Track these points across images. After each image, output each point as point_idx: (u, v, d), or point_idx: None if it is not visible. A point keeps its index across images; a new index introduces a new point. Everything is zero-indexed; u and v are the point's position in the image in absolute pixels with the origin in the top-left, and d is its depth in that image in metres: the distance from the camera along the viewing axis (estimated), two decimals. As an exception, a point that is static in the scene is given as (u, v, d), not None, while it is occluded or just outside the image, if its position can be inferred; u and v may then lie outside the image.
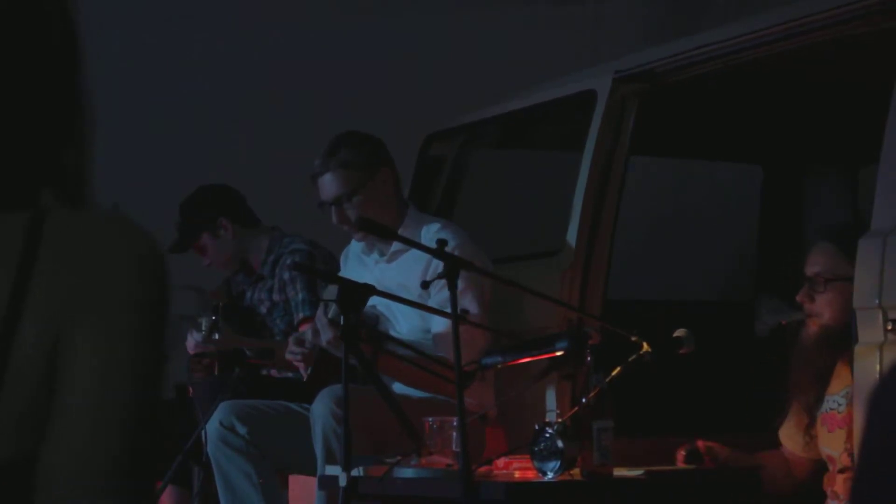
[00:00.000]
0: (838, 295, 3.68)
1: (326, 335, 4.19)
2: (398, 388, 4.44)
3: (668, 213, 6.71)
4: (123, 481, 1.24)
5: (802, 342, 3.72)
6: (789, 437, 3.86)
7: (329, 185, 4.51)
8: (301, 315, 4.93)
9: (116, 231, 1.28)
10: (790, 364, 3.78)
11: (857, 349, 3.53)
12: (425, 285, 4.03)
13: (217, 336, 4.86)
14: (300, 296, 4.95)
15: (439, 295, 4.29)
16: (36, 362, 1.23)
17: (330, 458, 4.09)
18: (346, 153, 4.51)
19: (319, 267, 4.93)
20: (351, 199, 4.49)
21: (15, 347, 1.22)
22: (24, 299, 1.23)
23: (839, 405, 3.68)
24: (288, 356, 4.39)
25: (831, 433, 3.71)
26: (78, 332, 1.24)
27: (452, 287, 3.65)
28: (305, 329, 4.70)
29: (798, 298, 3.74)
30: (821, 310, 3.70)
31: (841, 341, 3.65)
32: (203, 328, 4.87)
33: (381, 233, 4.14)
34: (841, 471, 3.66)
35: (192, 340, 4.87)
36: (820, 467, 3.78)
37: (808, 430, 3.76)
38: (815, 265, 3.74)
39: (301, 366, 4.35)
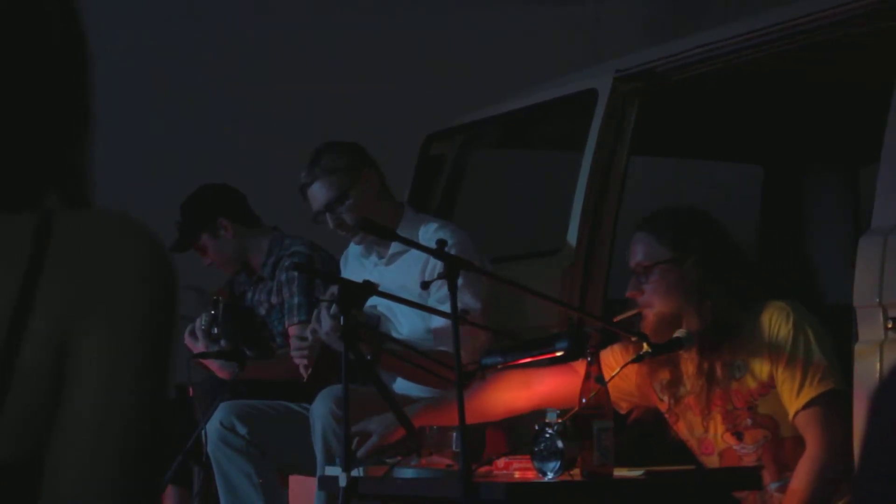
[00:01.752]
0: (660, 279, 3.73)
1: (326, 325, 4.20)
2: (398, 387, 4.45)
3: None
4: (128, 482, 1.24)
5: (644, 332, 3.76)
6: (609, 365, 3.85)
7: (318, 193, 4.56)
8: (296, 319, 4.91)
9: (122, 232, 1.28)
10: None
11: (858, 348, 3.53)
12: (425, 286, 4.04)
13: (216, 331, 4.86)
14: (296, 299, 4.94)
15: (439, 293, 4.30)
16: (43, 363, 1.23)
17: (330, 458, 4.09)
18: (328, 159, 4.57)
19: (318, 268, 4.93)
20: (343, 202, 4.53)
21: (23, 348, 1.22)
22: (33, 300, 1.23)
23: (691, 393, 3.74)
24: (293, 353, 4.40)
25: (697, 417, 3.76)
26: (85, 333, 1.24)
27: (452, 287, 3.65)
28: (296, 332, 4.70)
29: (628, 294, 3.79)
30: (650, 299, 3.75)
31: (672, 328, 3.69)
32: (203, 323, 4.87)
33: (382, 233, 4.14)
34: (723, 452, 3.71)
35: (197, 326, 4.87)
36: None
37: (682, 409, 3.78)
38: (634, 256, 3.80)
39: (304, 363, 4.36)
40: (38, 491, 1.23)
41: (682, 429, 3.85)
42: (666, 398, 3.84)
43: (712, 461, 3.79)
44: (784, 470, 3.68)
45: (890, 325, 3.46)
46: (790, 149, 5.70)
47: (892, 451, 1.25)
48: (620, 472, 3.59)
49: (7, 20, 1.30)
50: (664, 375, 3.83)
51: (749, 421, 3.70)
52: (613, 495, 3.62)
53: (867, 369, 3.47)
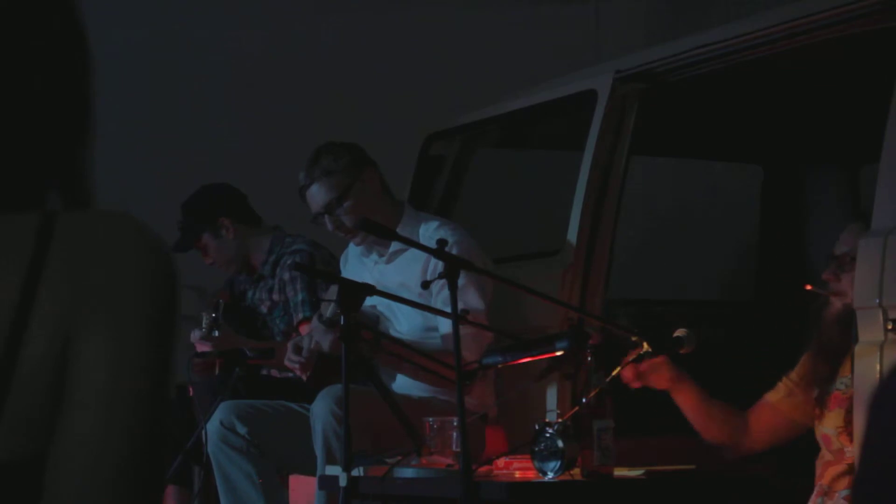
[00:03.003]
0: None
1: (326, 341, 4.21)
2: (398, 387, 4.45)
3: (668, 213, 6.71)
4: (131, 481, 1.24)
5: (825, 318, 3.73)
6: (786, 393, 3.84)
7: (317, 194, 4.55)
8: (301, 316, 4.94)
9: (124, 232, 1.28)
10: (811, 337, 3.80)
11: (858, 348, 3.53)
12: (426, 285, 4.04)
13: (217, 333, 4.87)
14: (299, 296, 4.96)
15: (442, 293, 4.30)
16: (45, 363, 1.23)
17: (330, 458, 4.09)
18: (327, 161, 4.56)
19: (319, 267, 4.94)
20: (341, 203, 4.52)
21: (25, 348, 1.22)
22: (34, 300, 1.23)
23: (846, 386, 3.69)
24: (287, 363, 4.40)
25: (831, 411, 3.72)
26: (87, 333, 1.24)
27: (453, 287, 3.65)
28: (305, 330, 4.72)
29: (825, 276, 3.74)
30: (845, 288, 3.71)
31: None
32: (203, 325, 4.88)
33: (382, 233, 4.15)
34: (836, 452, 3.67)
35: (194, 337, 4.89)
36: (801, 436, 3.82)
37: (819, 403, 3.76)
38: (843, 244, 3.76)
39: (299, 372, 4.37)
40: (40, 490, 1.23)
41: (818, 426, 3.79)
42: (818, 392, 3.78)
43: (825, 457, 3.72)
44: None
45: (890, 327, 3.45)
46: (790, 149, 5.70)
47: (892, 452, 1.25)
48: (620, 472, 3.59)
49: (7, 21, 1.30)
50: (824, 369, 3.78)
51: None
52: (613, 495, 3.62)
53: (867, 370, 3.47)
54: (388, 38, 6.84)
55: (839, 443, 3.66)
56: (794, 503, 3.84)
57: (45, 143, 1.32)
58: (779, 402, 3.84)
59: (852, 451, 3.63)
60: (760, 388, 3.93)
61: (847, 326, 3.69)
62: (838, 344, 3.72)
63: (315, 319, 4.38)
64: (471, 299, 4.35)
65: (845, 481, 3.62)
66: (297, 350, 4.38)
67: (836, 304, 3.72)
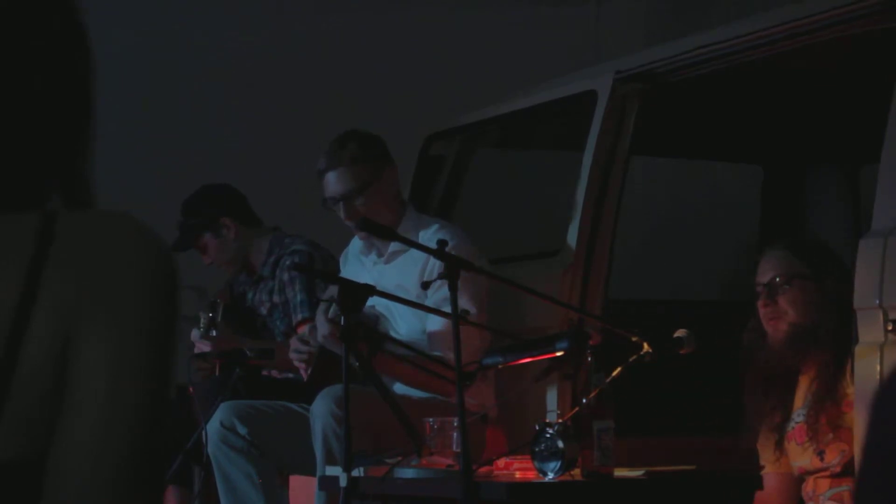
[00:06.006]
0: (799, 292, 3.71)
1: (324, 330, 4.20)
2: (398, 388, 4.44)
3: (668, 213, 6.71)
4: (131, 481, 1.24)
5: (771, 348, 3.72)
6: (767, 460, 3.85)
7: (338, 180, 4.49)
8: (300, 316, 4.93)
9: (124, 232, 1.28)
10: (750, 387, 3.80)
11: (858, 349, 3.53)
12: (426, 286, 4.03)
13: (215, 333, 4.87)
14: (298, 297, 4.96)
15: (436, 294, 4.29)
16: (46, 363, 1.23)
17: (330, 458, 4.09)
18: (355, 149, 4.50)
19: (319, 268, 4.93)
20: (361, 194, 4.48)
21: (25, 348, 1.22)
22: (35, 300, 1.23)
23: (803, 417, 3.70)
24: (292, 355, 4.39)
25: (800, 445, 3.72)
26: (88, 333, 1.24)
27: (453, 287, 3.65)
28: (304, 330, 4.72)
29: (760, 306, 3.75)
30: (785, 308, 3.72)
31: (809, 340, 3.66)
32: (201, 325, 4.88)
33: (383, 234, 4.14)
34: (819, 472, 3.68)
35: (193, 337, 4.89)
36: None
37: (778, 445, 3.77)
38: (767, 272, 3.77)
39: (303, 366, 4.36)
40: (40, 490, 1.23)
41: (791, 464, 3.78)
42: (777, 437, 3.79)
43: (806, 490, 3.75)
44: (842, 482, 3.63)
45: (890, 328, 3.45)
46: (790, 149, 5.70)
47: (892, 452, 1.25)
48: (620, 472, 3.59)
49: (7, 21, 1.30)
50: (777, 416, 3.78)
51: (830, 435, 3.66)
52: (613, 495, 3.62)
53: (867, 371, 3.47)
54: (388, 38, 6.84)
55: (812, 466, 3.69)
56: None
57: (45, 143, 1.32)
58: (780, 463, 3.83)
59: (833, 464, 3.64)
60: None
61: (798, 348, 3.68)
62: (793, 367, 3.71)
63: (318, 313, 4.37)
64: (464, 303, 4.33)
65: (826, 483, 3.64)
66: (304, 343, 4.37)
67: (780, 327, 3.73)
